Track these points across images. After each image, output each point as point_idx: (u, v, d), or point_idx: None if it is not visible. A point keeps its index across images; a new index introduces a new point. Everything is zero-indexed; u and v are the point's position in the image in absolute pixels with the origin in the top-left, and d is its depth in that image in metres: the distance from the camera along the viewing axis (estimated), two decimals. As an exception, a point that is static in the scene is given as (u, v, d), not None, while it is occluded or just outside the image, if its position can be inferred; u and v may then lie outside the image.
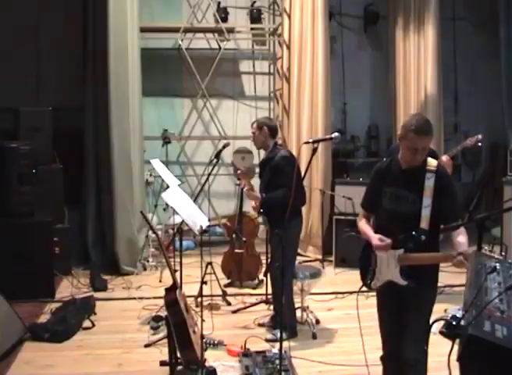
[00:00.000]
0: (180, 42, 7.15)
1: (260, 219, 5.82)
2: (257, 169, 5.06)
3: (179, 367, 3.71)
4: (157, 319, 4.66)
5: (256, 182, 4.86)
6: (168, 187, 4.75)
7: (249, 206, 4.99)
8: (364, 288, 3.14)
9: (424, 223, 2.89)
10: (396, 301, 3.02)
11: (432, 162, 2.96)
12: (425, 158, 2.97)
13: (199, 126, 7.90)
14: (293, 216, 3.97)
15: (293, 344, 4.07)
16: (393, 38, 7.51)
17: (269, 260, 4.79)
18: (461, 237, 2.84)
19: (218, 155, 5.01)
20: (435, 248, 2.96)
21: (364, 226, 3.17)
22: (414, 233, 2.89)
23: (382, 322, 3.17)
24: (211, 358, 4.00)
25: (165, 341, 3.93)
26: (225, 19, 7.56)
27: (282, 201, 3.94)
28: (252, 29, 7.96)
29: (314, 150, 3.64)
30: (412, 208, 2.93)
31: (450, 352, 2.00)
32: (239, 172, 4.97)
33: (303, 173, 4.34)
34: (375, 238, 2.99)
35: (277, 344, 3.71)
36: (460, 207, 3.10)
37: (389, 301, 3.09)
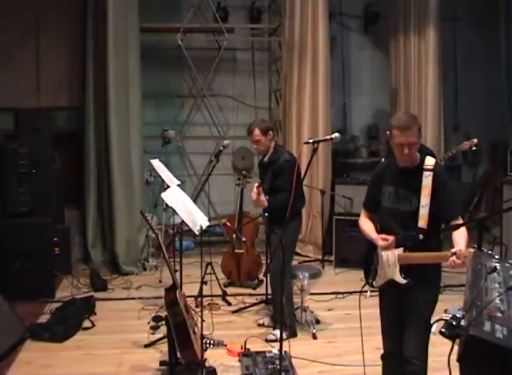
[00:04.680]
0: (180, 42, 7.15)
1: (260, 219, 5.82)
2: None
3: (179, 367, 3.71)
4: (157, 319, 4.66)
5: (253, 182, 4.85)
6: (168, 187, 4.74)
7: (249, 206, 4.99)
8: (365, 288, 3.14)
9: (422, 222, 2.89)
10: (398, 300, 3.02)
11: (430, 161, 2.97)
12: (423, 157, 2.99)
13: (199, 126, 7.89)
14: (292, 217, 3.98)
15: (293, 344, 4.07)
16: (393, 38, 7.51)
17: (269, 260, 4.79)
18: (459, 237, 2.83)
19: (218, 155, 5.01)
20: (435, 248, 2.95)
21: (366, 226, 3.17)
22: (413, 232, 2.89)
23: (384, 320, 3.17)
24: (211, 358, 4.00)
25: (165, 340, 3.93)
26: (225, 19, 7.54)
27: (283, 204, 3.96)
28: (252, 29, 7.96)
29: (315, 150, 3.64)
30: (410, 207, 2.93)
31: (450, 352, 2.00)
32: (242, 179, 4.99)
33: (303, 173, 4.36)
34: (378, 239, 3.00)
35: (277, 345, 3.71)
36: (459, 205, 3.09)
37: (390, 300, 3.09)
